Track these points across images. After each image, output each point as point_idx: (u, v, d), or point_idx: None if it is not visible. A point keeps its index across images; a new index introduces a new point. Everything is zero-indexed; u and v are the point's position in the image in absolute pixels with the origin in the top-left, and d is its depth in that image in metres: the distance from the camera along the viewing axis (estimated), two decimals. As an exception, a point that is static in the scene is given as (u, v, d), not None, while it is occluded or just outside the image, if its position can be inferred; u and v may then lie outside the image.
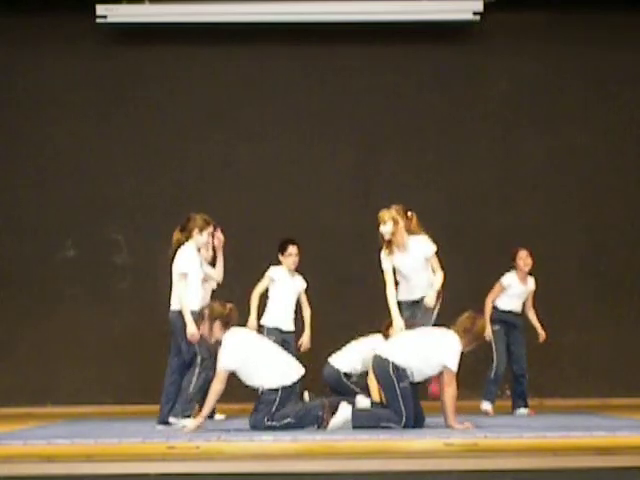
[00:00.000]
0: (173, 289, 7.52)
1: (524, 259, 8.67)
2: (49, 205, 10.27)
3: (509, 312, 8.73)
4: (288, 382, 6.89)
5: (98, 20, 10.04)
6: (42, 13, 10.21)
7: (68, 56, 10.39)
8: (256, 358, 6.89)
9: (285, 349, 7.58)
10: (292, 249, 8.52)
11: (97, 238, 10.28)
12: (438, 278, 7.74)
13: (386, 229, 7.72)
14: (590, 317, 10.10)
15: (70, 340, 10.06)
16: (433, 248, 7.77)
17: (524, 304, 8.84)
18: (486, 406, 8.74)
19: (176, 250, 7.58)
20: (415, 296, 7.85)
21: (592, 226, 10.29)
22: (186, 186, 10.29)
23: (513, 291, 8.71)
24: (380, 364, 6.92)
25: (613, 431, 6.43)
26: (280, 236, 9.02)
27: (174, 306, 7.50)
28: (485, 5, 10.04)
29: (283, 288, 8.53)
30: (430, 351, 6.86)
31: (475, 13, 10.07)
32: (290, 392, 6.91)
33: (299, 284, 8.65)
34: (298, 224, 9.83)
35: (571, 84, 10.47)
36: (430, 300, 7.70)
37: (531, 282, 8.81)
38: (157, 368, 9.89)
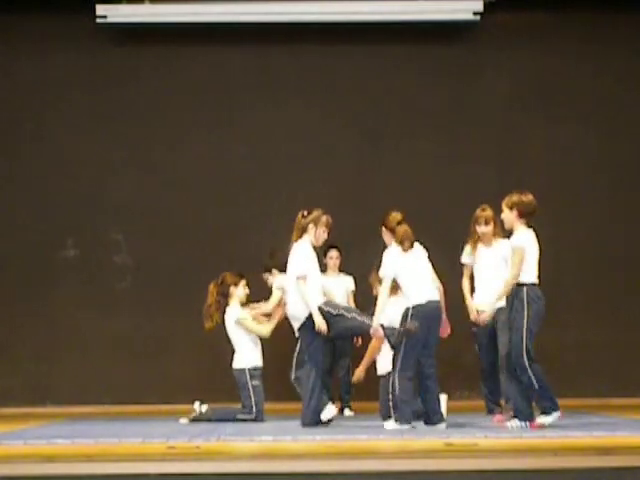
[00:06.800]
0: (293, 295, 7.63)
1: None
2: (49, 205, 10.25)
3: None
4: None
5: (98, 20, 10.01)
6: (42, 13, 10.19)
7: (68, 56, 10.36)
8: None
9: None
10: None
11: (97, 238, 10.27)
12: None
13: None
14: (590, 317, 10.09)
15: (70, 340, 10.04)
16: None
17: None
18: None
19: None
20: None
21: (592, 225, 10.28)
22: (186, 186, 10.28)
23: None
24: None
25: (613, 431, 6.44)
26: (281, 235, 8.98)
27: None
28: (485, 5, 10.03)
29: None
30: None
31: (475, 13, 10.05)
32: None
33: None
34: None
35: (571, 84, 10.45)
36: None
37: None
38: (157, 368, 9.96)
